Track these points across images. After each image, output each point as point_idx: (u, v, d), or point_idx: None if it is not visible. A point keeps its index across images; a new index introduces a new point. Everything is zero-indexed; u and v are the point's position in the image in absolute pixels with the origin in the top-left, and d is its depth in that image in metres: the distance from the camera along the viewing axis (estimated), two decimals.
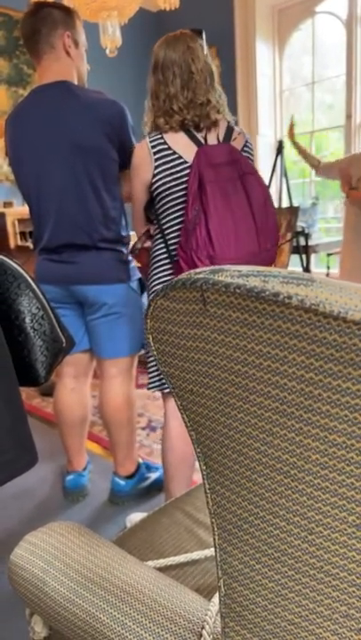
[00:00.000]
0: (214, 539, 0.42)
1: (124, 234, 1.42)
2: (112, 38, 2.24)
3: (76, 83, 1.37)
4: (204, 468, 0.41)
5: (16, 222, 2.90)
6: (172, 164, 1.18)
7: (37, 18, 1.29)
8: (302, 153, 2.37)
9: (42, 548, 0.61)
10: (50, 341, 0.66)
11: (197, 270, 0.34)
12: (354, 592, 0.35)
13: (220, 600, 0.43)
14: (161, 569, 0.78)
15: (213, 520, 0.42)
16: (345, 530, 0.34)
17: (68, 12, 1.33)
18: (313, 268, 3.33)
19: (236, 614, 0.42)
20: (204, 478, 0.41)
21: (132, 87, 3.82)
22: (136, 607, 0.52)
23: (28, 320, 0.60)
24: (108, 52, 2.23)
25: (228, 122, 1.24)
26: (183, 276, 0.35)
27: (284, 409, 0.33)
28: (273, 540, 0.38)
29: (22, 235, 2.91)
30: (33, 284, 0.61)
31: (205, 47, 1.22)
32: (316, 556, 0.36)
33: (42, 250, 1.41)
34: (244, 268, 0.33)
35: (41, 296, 0.66)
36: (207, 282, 0.33)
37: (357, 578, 0.35)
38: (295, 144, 2.38)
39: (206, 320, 0.34)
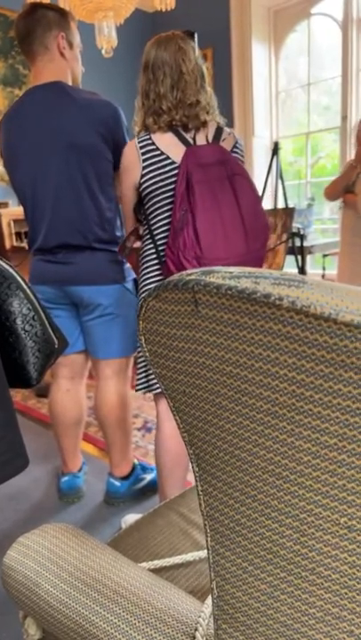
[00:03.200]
0: (207, 540, 0.42)
1: (118, 234, 1.42)
2: (108, 39, 2.24)
3: (70, 84, 1.36)
4: (197, 469, 0.41)
5: (12, 223, 2.89)
6: (160, 164, 1.18)
7: (32, 19, 1.28)
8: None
9: (35, 550, 0.61)
10: (42, 342, 0.66)
11: (189, 271, 0.34)
12: (346, 594, 0.35)
13: (212, 602, 0.43)
14: (155, 570, 0.77)
15: (206, 522, 0.42)
16: (337, 532, 0.34)
17: (63, 14, 1.32)
18: (309, 269, 3.34)
19: (229, 616, 0.42)
20: (196, 480, 0.41)
21: (127, 88, 3.81)
22: (129, 609, 0.52)
23: (18, 321, 0.60)
24: (103, 52, 2.23)
25: (218, 123, 1.24)
26: (175, 277, 0.35)
27: (276, 410, 0.33)
28: (265, 541, 0.38)
29: (18, 235, 2.91)
30: (24, 285, 0.61)
31: (197, 49, 1.22)
32: (308, 557, 0.36)
33: (37, 250, 1.40)
34: (236, 270, 0.33)
35: (32, 297, 0.66)
36: (199, 283, 0.33)
37: (349, 580, 0.35)
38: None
39: (198, 321, 0.34)
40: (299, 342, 0.30)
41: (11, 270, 0.64)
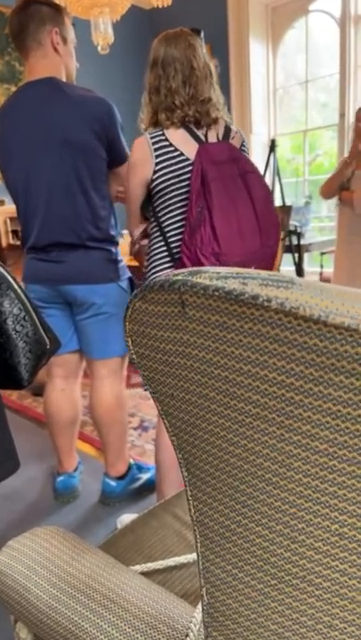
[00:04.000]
0: (197, 547, 0.41)
1: (113, 233, 1.41)
2: (104, 35, 2.22)
3: (64, 79, 1.35)
4: (186, 474, 0.40)
5: (8, 221, 2.88)
6: (173, 160, 1.17)
7: (25, 14, 1.27)
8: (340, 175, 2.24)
9: (24, 553, 0.60)
10: (33, 343, 0.65)
11: (176, 272, 0.33)
12: (337, 602, 0.34)
13: (202, 609, 0.42)
14: (148, 573, 0.77)
15: (196, 528, 0.41)
16: (328, 539, 0.33)
17: (57, 9, 1.31)
18: (306, 266, 3.33)
19: (219, 624, 0.41)
20: (185, 485, 0.40)
21: (124, 85, 3.80)
22: (119, 614, 0.51)
23: (9, 322, 0.59)
24: (99, 48, 2.21)
25: (226, 121, 1.24)
26: (161, 277, 0.34)
27: (266, 415, 0.32)
28: (256, 548, 0.37)
29: (14, 233, 2.89)
30: (15, 285, 0.60)
31: (204, 47, 1.22)
32: (299, 565, 0.35)
33: (30, 249, 1.39)
34: (224, 270, 0.32)
35: (23, 297, 0.65)
36: (185, 284, 0.32)
37: (341, 588, 0.34)
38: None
39: (185, 323, 0.33)
40: (288, 345, 0.29)
41: (1, 270, 0.63)
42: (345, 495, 0.30)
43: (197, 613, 0.51)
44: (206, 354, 0.33)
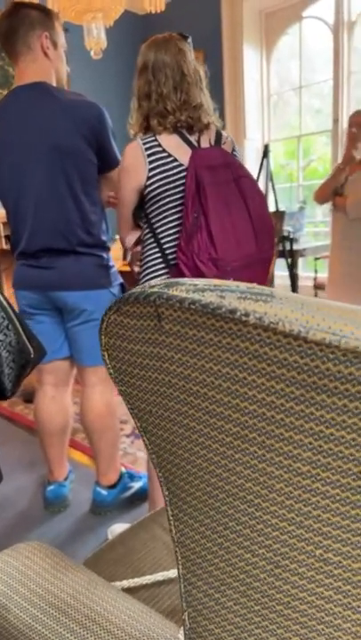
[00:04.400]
0: (178, 569, 0.39)
1: (104, 238, 1.39)
2: (97, 40, 2.22)
3: (54, 84, 1.34)
4: (167, 493, 0.38)
5: (1, 226, 2.86)
6: (167, 166, 1.15)
7: (15, 18, 1.26)
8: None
9: (5, 571, 0.58)
10: (16, 352, 0.63)
11: (152, 283, 0.32)
12: (323, 630, 0.33)
13: (184, 634, 0.41)
14: (136, 588, 0.75)
15: (177, 549, 0.39)
16: (313, 564, 0.31)
17: (47, 13, 1.30)
18: (301, 272, 3.33)
19: None
20: (166, 504, 0.39)
21: (118, 90, 3.79)
22: (100, 635, 0.49)
23: None
24: (92, 54, 2.21)
25: (217, 127, 1.23)
26: (137, 289, 0.32)
27: (246, 434, 0.30)
28: (238, 572, 0.35)
29: (8, 238, 2.87)
30: None
31: (192, 52, 1.21)
32: (282, 590, 0.33)
33: (20, 254, 1.37)
34: (201, 282, 0.30)
35: (5, 304, 0.63)
36: (161, 296, 0.30)
37: (326, 615, 0.32)
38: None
39: (162, 337, 0.31)
40: (268, 361, 0.27)
41: None
42: (329, 519, 0.29)
43: (181, 634, 0.49)
44: (184, 369, 0.31)
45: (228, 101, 3.64)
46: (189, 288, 0.30)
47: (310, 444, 0.28)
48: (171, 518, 0.39)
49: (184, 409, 0.33)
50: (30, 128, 1.26)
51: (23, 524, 1.50)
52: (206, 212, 1.11)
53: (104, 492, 1.50)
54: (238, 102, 3.63)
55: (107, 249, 1.41)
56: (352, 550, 0.29)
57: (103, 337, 0.35)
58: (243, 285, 0.29)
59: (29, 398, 2.42)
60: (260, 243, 1.18)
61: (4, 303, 0.65)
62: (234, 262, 1.13)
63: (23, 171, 1.28)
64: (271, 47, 3.64)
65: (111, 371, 0.36)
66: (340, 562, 0.30)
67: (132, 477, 1.60)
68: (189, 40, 1.21)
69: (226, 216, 1.13)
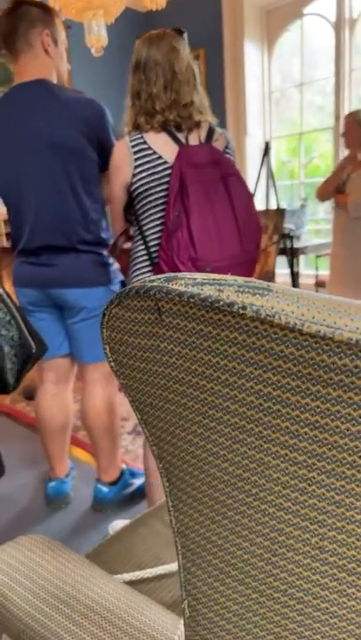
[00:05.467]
0: (178, 559, 0.40)
1: (105, 236, 1.40)
2: (98, 38, 2.22)
3: (55, 82, 1.34)
4: (167, 484, 0.39)
5: (2, 224, 2.87)
6: (152, 164, 1.16)
7: (15, 15, 1.26)
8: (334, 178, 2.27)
9: (8, 563, 0.59)
10: (18, 347, 0.64)
11: (152, 277, 0.32)
12: (319, 617, 0.34)
13: (184, 622, 0.41)
14: (137, 581, 0.76)
15: (177, 539, 0.40)
16: (308, 552, 0.32)
17: (47, 11, 1.30)
18: (302, 269, 3.33)
19: (200, 637, 0.40)
20: (166, 495, 0.39)
21: (119, 87, 3.79)
22: (102, 626, 0.50)
23: None
24: (93, 51, 2.21)
25: (210, 123, 1.22)
26: (137, 283, 0.33)
27: (244, 425, 0.31)
28: (236, 561, 0.36)
29: (7, 236, 2.88)
30: None
31: (187, 48, 1.21)
32: (279, 578, 0.34)
33: (20, 252, 1.38)
34: (200, 276, 0.31)
35: (8, 300, 0.64)
36: (161, 290, 0.31)
37: (322, 602, 0.33)
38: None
39: (162, 330, 0.32)
40: (265, 354, 0.28)
41: None
42: (324, 507, 0.30)
43: (182, 625, 0.50)
44: (184, 362, 0.32)
45: (229, 98, 3.64)
46: (188, 282, 0.30)
47: (306, 434, 0.29)
48: (171, 509, 0.39)
49: (183, 401, 0.34)
50: (31, 125, 1.26)
51: (25, 521, 1.51)
52: (188, 211, 1.11)
53: (105, 489, 1.51)
54: (239, 99, 3.63)
55: (107, 246, 1.42)
56: (347, 538, 0.30)
57: (105, 330, 0.35)
58: (240, 279, 0.30)
59: (31, 395, 2.43)
60: (245, 243, 1.17)
61: (7, 299, 0.65)
62: (215, 262, 1.12)
63: (24, 168, 1.29)
64: (273, 44, 3.63)
65: (112, 364, 0.37)
66: (335, 549, 0.31)
67: (133, 474, 1.60)
68: (185, 35, 1.21)
69: (209, 215, 1.12)
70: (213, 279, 0.30)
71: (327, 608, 0.33)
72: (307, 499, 0.30)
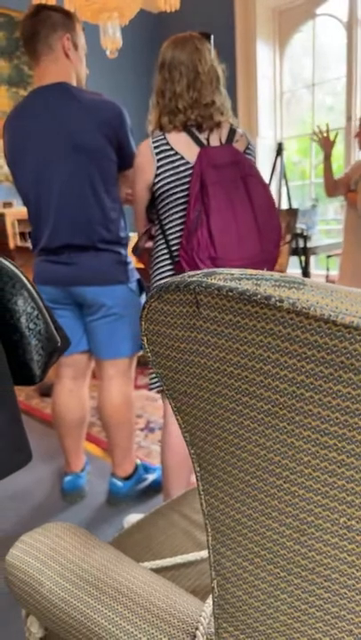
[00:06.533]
0: (208, 540, 0.42)
1: (123, 235, 1.43)
2: (112, 39, 2.24)
3: (74, 85, 1.37)
4: (198, 469, 0.41)
5: (16, 223, 2.90)
6: (174, 164, 1.18)
7: (37, 19, 1.29)
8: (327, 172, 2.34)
9: (37, 548, 0.61)
10: (45, 341, 0.66)
11: (191, 273, 0.34)
12: (345, 594, 0.35)
13: (213, 601, 0.44)
14: (157, 570, 0.78)
15: (207, 521, 0.42)
16: (336, 531, 0.34)
17: (68, 15, 1.33)
18: (313, 269, 3.34)
19: (229, 615, 0.42)
20: (197, 480, 0.41)
21: (134, 88, 3.82)
22: (130, 607, 0.53)
23: (23, 320, 0.61)
24: (108, 53, 2.24)
25: (232, 124, 1.25)
26: (177, 278, 0.35)
27: (276, 411, 0.33)
28: (265, 541, 0.38)
29: (22, 235, 2.92)
30: (28, 284, 0.62)
31: (213, 51, 1.24)
32: (307, 557, 0.36)
33: (41, 251, 1.41)
34: (237, 272, 0.33)
35: (36, 296, 0.67)
36: (200, 285, 0.33)
37: (348, 579, 0.35)
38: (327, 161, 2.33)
39: (199, 322, 0.34)
40: (299, 344, 0.30)
41: (15, 270, 0.65)
42: (353, 488, 0.32)
43: (207, 607, 0.52)
44: (220, 352, 0.34)
45: (241, 99, 3.65)
46: (227, 277, 0.32)
47: (337, 419, 0.31)
48: (202, 493, 0.42)
49: (218, 389, 0.36)
50: (52, 127, 1.29)
51: (42, 514, 1.54)
52: (208, 211, 1.13)
53: (120, 484, 1.54)
54: (251, 100, 3.64)
55: (125, 245, 1.44)
56: None
57: (143, 323, 0.38)
58: (276, 274, 0.32)
59: (46, 392, 2.47)
60: (265, 243, 1.19)
61: (35, 295, 0.68)
62: (234, 262, 1.15)
63: (45, 170, 1.31)
64: (284, 44, 3.64)
65: (149, 354, 0.39)
66: None
67: (146, 469, 1.63)
68: (211, 39, 1.23)
69: (229, 215, 1.15)
70: (250, 274, 0.32)
71: (354, 585, 0.35)
72: (336, 480, 0.32)
